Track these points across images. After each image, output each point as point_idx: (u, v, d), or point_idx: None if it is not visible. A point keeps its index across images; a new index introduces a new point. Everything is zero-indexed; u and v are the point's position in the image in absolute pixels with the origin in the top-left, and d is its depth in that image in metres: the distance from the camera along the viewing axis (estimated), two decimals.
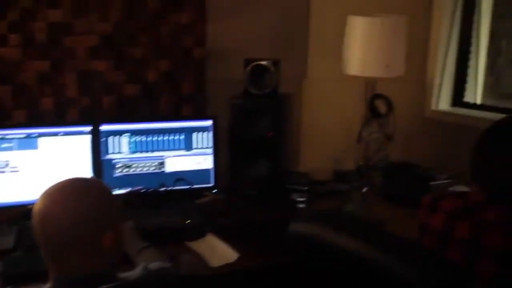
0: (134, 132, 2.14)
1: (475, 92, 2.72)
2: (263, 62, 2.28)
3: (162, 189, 2.14)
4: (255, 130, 2.29)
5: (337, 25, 2.31)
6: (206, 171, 2.25)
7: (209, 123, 2.24)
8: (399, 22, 2.23)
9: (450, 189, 2.25)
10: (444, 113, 2.65)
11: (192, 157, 2.22)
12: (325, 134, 2.61)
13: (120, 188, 2.12)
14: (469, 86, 2.69)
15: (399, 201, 2.29)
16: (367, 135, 2.36)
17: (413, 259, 0.94)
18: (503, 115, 2.46)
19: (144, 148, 2.16)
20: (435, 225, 1.30)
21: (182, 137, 2.20)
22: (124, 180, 2.13)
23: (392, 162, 2.49)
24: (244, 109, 2.30)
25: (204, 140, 2.23)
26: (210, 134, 2.24)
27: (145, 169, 2.16)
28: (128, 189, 2.13)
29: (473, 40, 2.65)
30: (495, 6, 2.71)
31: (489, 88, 2.86)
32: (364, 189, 2.24)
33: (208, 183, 2.25)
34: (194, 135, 2.22)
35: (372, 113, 2.34)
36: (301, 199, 2.23)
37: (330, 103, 2.63)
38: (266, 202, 2.25)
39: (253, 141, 2.30)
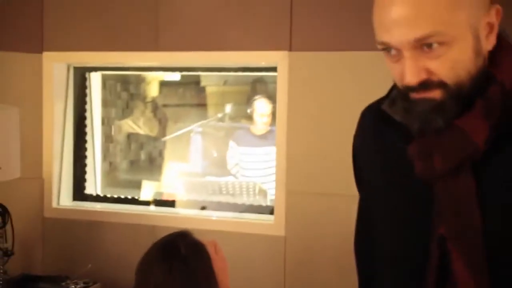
0: None
1: (96, 182, 2.58)
2: None
3: None
4: None
5: None
6: None
7: None
8: (10, 115, 1.87)
9: None
10: (66, 210, 2.38)
11: None
12: None
13: None
14: (89, 176, 2.53)
15: None
16: None
17: None
18: (124, 205, 2.41)
19: None
20: None
21: None
22: None
23: (13, 280, 2.05)
24: None
25: None
26: None
27: None
28: None
29: (88, 129, 2.52)
30: (103, 93, 2.70)
31: (107, 176, 2.79)
32: None
33: None
34: None
35: None
36: None
37: None
38: None
39: None
